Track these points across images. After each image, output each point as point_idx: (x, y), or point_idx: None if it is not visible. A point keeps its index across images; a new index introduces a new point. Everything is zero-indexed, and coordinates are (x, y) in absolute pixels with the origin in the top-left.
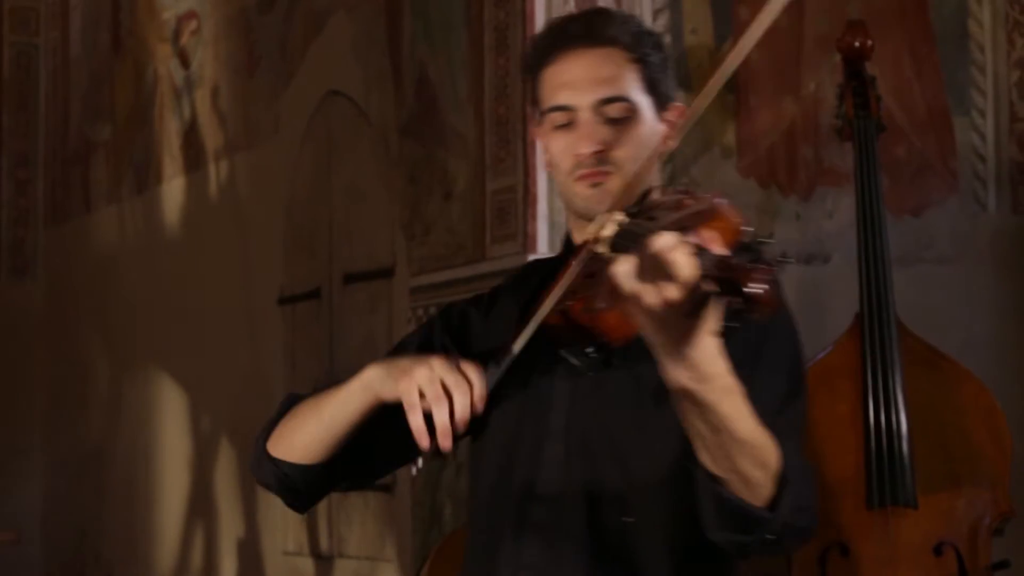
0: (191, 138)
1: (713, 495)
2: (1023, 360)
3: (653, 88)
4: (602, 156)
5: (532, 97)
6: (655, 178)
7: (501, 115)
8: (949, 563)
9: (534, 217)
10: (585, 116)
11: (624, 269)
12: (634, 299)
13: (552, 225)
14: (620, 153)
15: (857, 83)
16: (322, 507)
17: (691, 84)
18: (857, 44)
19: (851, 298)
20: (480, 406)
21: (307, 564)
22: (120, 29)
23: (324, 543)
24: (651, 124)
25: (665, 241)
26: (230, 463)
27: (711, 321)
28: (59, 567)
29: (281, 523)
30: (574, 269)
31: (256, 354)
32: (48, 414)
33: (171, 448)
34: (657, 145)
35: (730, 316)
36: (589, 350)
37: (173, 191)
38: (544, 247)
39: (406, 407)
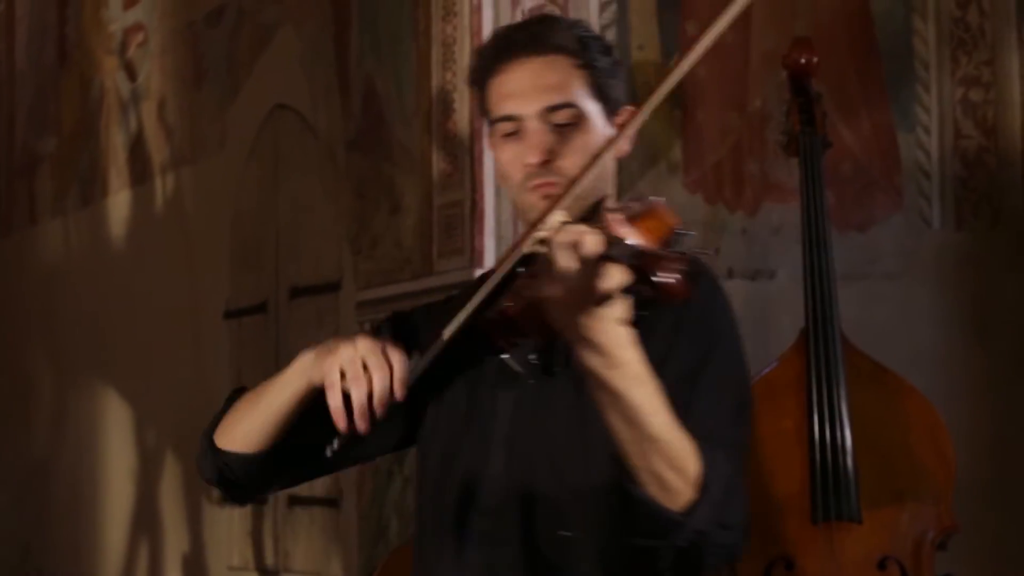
0: (137, 151)
1: (625, 493)
2: (967, 375)
3: (602, 93)
4: (549, 166)
5: (481, 108)
6: (610, 186)
7: (449, 129)
8: None
9: (481, 232)
10: (532, 125)
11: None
12: (548, 284)
13: (499, 240)
14: (567, 162)
15: (803, 99)
16: (268, 522)
17: (638, 100)
18: (803, 61)
19: (796, 313)
20: (400, 391)
21: None
22: (66, 42)
23: (270, 558)
24: (601, 130)
25: (577, 229)
26: (175, 477)
27: (619, 308)
28: None
29: (226, 538)
30: (507, 264)
31: (202, 368)
32: None
33: (116, 462)
34: (607, 151)
35: (642, 305)
36: (531, 357)
37: (119, 204)
38: (491, 262)
39: (326, 387)
